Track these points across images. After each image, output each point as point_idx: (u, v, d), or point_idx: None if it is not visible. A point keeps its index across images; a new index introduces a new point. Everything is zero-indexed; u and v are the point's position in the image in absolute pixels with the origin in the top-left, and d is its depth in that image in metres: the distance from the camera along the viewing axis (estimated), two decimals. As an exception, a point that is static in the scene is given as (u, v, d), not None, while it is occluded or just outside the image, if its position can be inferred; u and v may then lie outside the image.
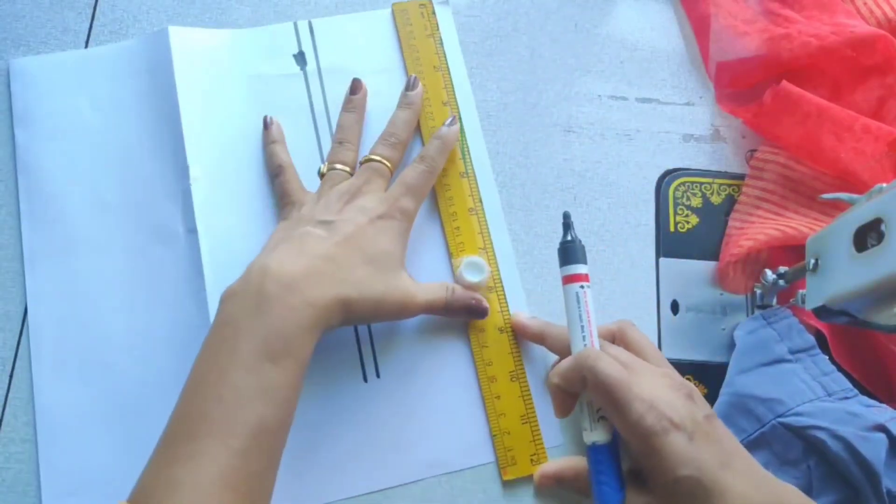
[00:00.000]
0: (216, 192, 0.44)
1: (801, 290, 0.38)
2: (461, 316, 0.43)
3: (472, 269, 0.43)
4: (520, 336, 0.43)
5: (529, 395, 0.42)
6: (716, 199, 0.48)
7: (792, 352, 0.40)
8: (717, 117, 0.50)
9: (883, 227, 0.31)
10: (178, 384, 0.34)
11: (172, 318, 0.42)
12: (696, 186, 0.48)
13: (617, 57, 0.51)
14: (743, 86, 0.49)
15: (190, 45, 0.47)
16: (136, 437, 0.40)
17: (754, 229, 0.44)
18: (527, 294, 0.45)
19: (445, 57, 0.49)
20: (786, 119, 0.45)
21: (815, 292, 0.35)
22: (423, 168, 0.43)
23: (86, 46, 0.48)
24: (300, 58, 0.48)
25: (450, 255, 0.45)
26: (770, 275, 0.41)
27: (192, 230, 0.43)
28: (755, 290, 0.43)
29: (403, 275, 0.41)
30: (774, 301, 0.43)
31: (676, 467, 0.32)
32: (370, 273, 0.39)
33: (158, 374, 0.41)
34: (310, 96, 0.47)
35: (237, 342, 0.34)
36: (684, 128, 0.50)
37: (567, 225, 0.39)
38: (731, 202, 0.47)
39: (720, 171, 0.48)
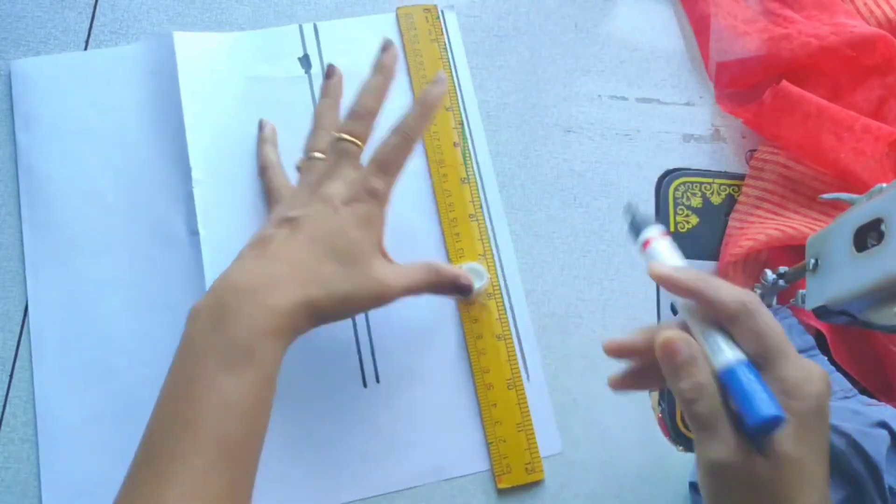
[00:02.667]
0: (219, 194, 0.44)
1: (801, 290, 0.38)
2: (448, 294, 0.43)
3: (472, 276, 0.43)
4: (668, 290, 0.33)
5: (526, 403, 0.42)
6: (716, 199, 0.48)
7: None
8: (717, 117, 0.50)
9: (883, 227, 0.31)
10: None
11: (174, 320, 0.42)
12: (696, 186, 0.48)
13: (617, 57, 0.51)
14: (743, 86, 0.49)
15: (194, 49, 0.47)
16: (136, 440, 0.40)
17: (754, 229, 0.44)
18: (527, 294, 0.45)
19: (452, 61, 0.49)
20: (786, 119, 0.45)
21: (815, 292, 0.35)
22: (396, 141, 0.40)
23: (86, 47, 0.48)
24: (305, 61, 0.48)
25: (449, 261, 0.45)
26: (770, 275, 0.41)
27: (194, 233, 0.43)
28: (755, 290, 0.43)
29: (375, 263, 0.38)
30: (774, 301, 0.43)
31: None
32: (336, 270, 0.37)
33: (159, 377, 0.41)
34: (314, 99, 0.47)
35: (197, 358, 0.33)
36: (684, 128, 0.50)
37: (633, 214, 0.36)
38: (731, 202, 0.47)
39: (720, 171, 0.48)
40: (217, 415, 0.32)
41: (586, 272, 0.46)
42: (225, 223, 0.44)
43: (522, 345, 0.44)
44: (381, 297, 0.38)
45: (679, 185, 0.48)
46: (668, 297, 0.45)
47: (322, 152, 0.41)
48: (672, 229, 0.47)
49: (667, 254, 0.34)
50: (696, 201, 0.47)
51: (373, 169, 0.39)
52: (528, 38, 0.51)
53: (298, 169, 0.42)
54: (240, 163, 0.45)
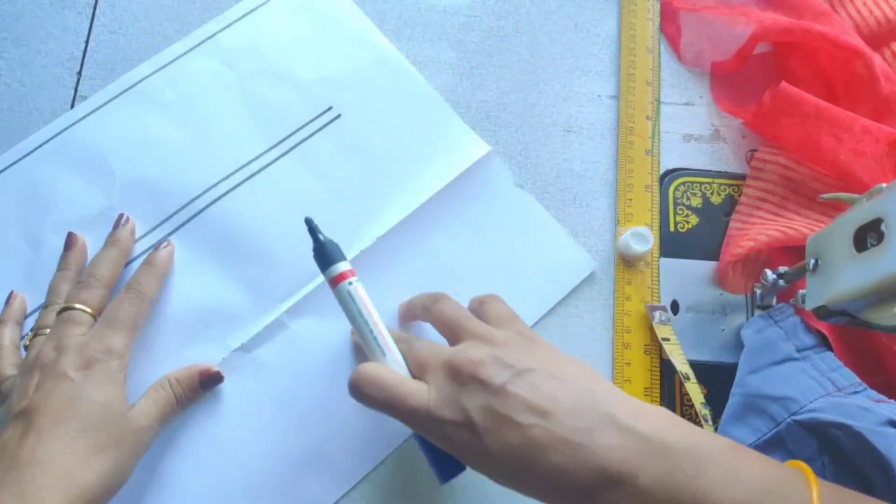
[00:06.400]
0: None
1: (801, 290, 0.38)
2: (207, 389, 0.40)
3: (638, 239, 0.44)
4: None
5: (658, 372, 0.43)
6: (716, 199, 0.48)
7: (799, 350, 0.41)
8: (717, 117, 0.50)
9: (883, 227, 0.31)
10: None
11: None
12: (696, 186, 0.48)
13: (617, 57, 0.51)
14: (736, 66, 0.49)
15: None
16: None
17: (755, 230, 0.44)
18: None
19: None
20: (785, 120, 0.45)
21: (815, 292, 0.35)
22: (130, 297, 0.38)
23: (85, 47, 0.48)
24: None
25: (616, 223, 0.46)
26: (770, 275, 0.41)
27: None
28: (755, 290, 0.43)
29: (129, 416, 0.36)
30: (774, 301, 0.43)
31: (471, 463, 0.31)
32: (95, 442, 0.33)
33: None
34: None
35: None
36: (684, 128, 0.50)
37: (313, 229, 0.36)
38: (731, 202, 0.47)
39: (720, 171, 0.48)
40: None
41: (586, 272, 0.46)
42: None
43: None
44: (144, 440, 0.36)
45: (679, 185, 0.48)
46: (668, 297, 0.45)
47: (50, 327, 0.38)
48: (672, 229, 0.47)
49: (367, 300, 0.36)
50: (696, 201, 0.47)
51: (104, 328, 0.37)
52: (528, 38, 0.51)
53: (25, 348, 0.38)
54: None
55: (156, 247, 0.42)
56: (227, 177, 0.44)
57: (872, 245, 0.31)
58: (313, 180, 0.44)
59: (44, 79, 0.47)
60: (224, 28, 0.48)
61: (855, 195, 0.35)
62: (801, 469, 0.30)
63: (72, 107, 0.46)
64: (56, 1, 0.48)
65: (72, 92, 0.47)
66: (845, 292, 0.32)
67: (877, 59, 0.46)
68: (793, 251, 0.44)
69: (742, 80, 0.50)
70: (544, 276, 0.44)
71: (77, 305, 0.38)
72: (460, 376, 0.31)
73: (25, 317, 0.41)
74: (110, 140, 0.45)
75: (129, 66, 0.47)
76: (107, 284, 0.40)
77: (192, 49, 0.47)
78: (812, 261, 0.36)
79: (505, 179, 0.46)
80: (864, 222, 0.32)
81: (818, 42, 0.46)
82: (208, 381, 0.40)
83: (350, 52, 0.48)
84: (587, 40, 0.51)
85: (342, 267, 0.36)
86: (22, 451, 0.32)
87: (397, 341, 0.36)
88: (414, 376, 0.34)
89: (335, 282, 0.36)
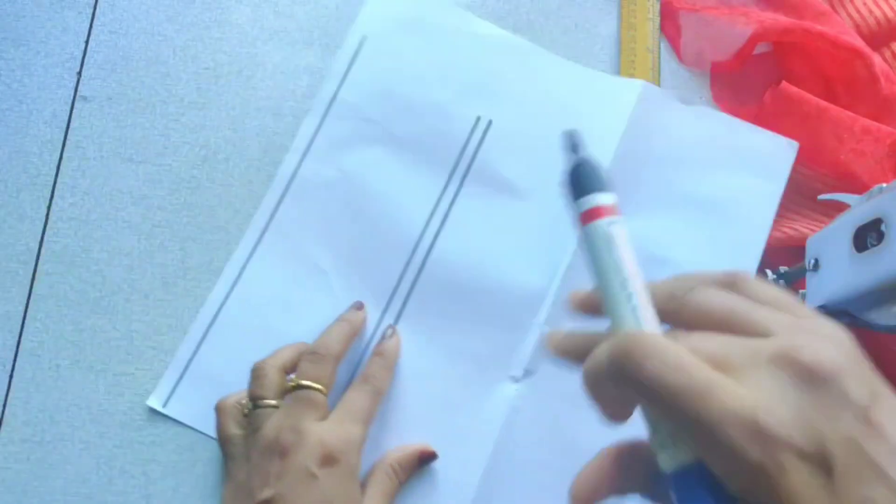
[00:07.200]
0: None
1: (801, 290, 0.38)
2: (414, 474, 0.40)
3: None
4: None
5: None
6: (716, 200, 0.48)
7: None
8: (716, 117, 0.50)
9: (883, 227, 0.31)
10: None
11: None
12: (696, 186, 0.48)
13: (617, 57, 0.51)
14: (736, 65, 0.49)
15: None
16: None
17: (754, 229, 0.44)
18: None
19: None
20: (786, 120, 0.45)
21: (815, 292, 0.35)
22: (366, 388, 0.38)
23: (85, 47, 0.48)
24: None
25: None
26: (770, 275, 0.41)
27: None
28: (755, 290, 0.43)
29: None
30: (774, 301, 0.43)
31: None
32: None
33: None
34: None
35: None
36: (684, 128, 0.50)
37: (574, 144, 0.26)
38: (730, 202, 0.47)
39: (720, 172, 0.48)
40: None
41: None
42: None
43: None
44: None
45: (679, 185, 0.48)
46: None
47: (274, 399, 0.37)
48: (672, 229, 0.47)
49: (629, 251, 0.24)
50: (696, 201, 0.47)
51: (343, 417, 0.36)
52: (528, 37, 0.51)
53: (245, 416, 0.38)
54: None
55: (382, 336, 0.41)
56: (424, 230, 0.43)
57: (872, 245, 0.31)
58: (499, 195, 0.42)
59: (44, 79, 0.47)
60: (341, 84, 0.46)
61: (855, 195, 0.35)
62: None
63: (72, 108, 0.46)
64: (56, 1, 0.48)
65: (72, 92, 0.47)
66: (845, 292, 0.32)
67: (877, 59, 0.46)
68: (793, 251, 0.44)
69: (742, 80, 0.50)
70: (753, 180, 0.42)
71: (310, 383, 0.36)
72: (813, 377, 0.19)
73: None
74: (299, 236, 0.43)
75: (130, 66, 0.47)
76: (336, 360, 0.38)
77: (324, 117, 0.45)
78: (812, 261, 0.36)
79: (672, 101, 0.44)
80: (864, 222, 0.32)
81: (818, 42, 0.46)
82: (427, 460, 0.39)
83: (467, 51, 0.47)
84: (587, 40, 0.51)
85: (603, 199, 0.24)
86: None
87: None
88: None
89: (588, 217, 0.24)
